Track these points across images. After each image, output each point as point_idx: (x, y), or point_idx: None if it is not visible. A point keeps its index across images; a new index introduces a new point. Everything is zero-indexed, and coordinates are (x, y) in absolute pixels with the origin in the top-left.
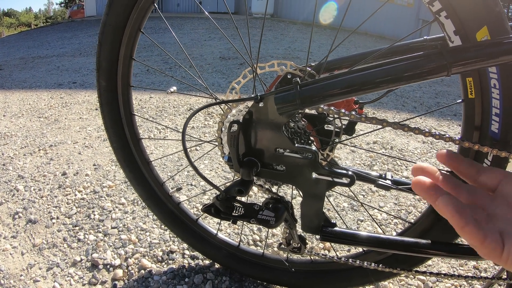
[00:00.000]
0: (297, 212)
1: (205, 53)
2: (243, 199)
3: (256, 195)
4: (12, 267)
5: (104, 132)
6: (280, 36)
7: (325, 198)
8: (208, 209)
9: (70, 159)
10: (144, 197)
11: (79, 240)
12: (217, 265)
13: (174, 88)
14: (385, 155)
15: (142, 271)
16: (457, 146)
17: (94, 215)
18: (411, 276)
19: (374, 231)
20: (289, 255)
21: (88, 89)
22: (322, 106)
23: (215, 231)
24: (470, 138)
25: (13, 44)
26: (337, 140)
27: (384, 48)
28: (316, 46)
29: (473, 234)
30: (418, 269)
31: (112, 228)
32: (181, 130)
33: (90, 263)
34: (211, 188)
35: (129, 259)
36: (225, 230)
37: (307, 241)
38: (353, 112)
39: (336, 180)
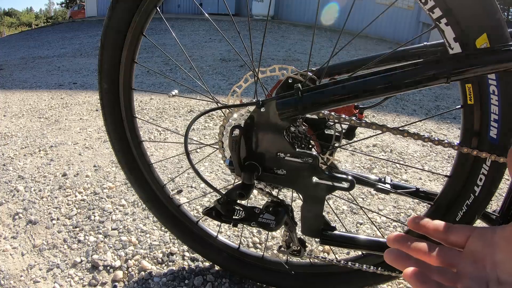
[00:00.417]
0: (297, 215)
1: (205, 55)
2: (244, 202)
3: (256, 198)
4: (12, 267)
5: (105, 133)
6: (280, 38)
7: (325, 201)
8: (209, 212)
9: (70, 160)
10: (144, 199)
11: (79, 241)
12: (217, 267)
13: (175, 91)
14: (384, 159)
15: (142, 273)
16: (456, 151)
17: (95, 216)
18: None
19: (374, 234)
20: (288, 257)
21: (89, 90)
22: (323, 111)
23: (215, 234)
24: (469, 143)
25: (13, 44)
26: (337, 144)
27: (385, 54)
28: (316, 49)
29: None
30: None
31: (113, 229)
32: (181, 133)
33: (90, 264)
34: (212, 190)
35: (129, 260)
36: (225, 232)
37: (306, 244)
38: (353, 117)
39: (336, 184)
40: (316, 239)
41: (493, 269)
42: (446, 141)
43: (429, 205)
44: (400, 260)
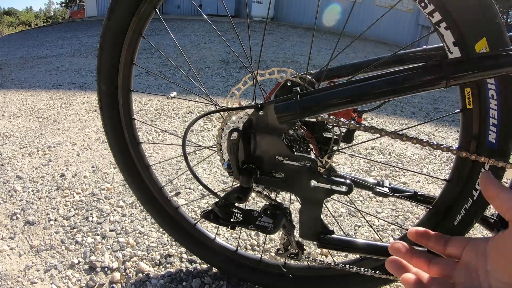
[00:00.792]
0: (295, 218)
1: (204, 56)
2: (242, 205)
3: (254, 200)
4: (9, 268)
5: (103, 134)
6: (280, 40)
7: (323, 205)
8: (207, 215)
9: (68, 161)
10: (143, 201)
11: (77, 242)
12: (214, 270)
13: (174, 93)
14: (383, 163)
15: (140, 275)
16: (454, 155)
17: (92, 217)
18: None
19: (371, 237)
20: (286, 260)
21: (88, 90)
22: (321, 115)
23: (213, 236)
24: (467, 147)
25: (13, 43)
26: (336, 147)
27: (384, 58)
28: (315, 50)
29: None
30: None
31: (110, 230)
32: (180, 135)
33: (88, 265)
34: (210, 193)
35: (127, 262)
36: (223, 235)
37: (304, 247)
38: (352, 121)
39: (334, 188)
40: (314, 243)
41: (486, 279)
42: (444, 145)
43: (428, 209)
44: (401, 270)
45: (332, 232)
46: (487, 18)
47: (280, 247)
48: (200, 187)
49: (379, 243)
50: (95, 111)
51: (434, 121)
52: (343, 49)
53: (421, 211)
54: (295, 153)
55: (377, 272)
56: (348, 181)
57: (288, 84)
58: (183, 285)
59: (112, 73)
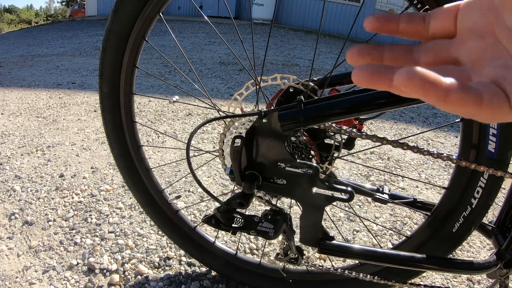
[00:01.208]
0: (295, 223)
1: (204, 58)
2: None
3: (253, 204)
4: (7, 268)
5: (102, 134)
6: (280, 42)
7: (324, 211)
8: (209, 220)
9: (67, 161)
10: (143, 204)
11: (75, 243)
12: (213, 273)
13: (176, 97)
14: (383, 170)
15: (139, 277)
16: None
17: (91, 218)
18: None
19: (370, 242)
20: (285, 265)
21: (87, 90)
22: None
23: (212, 239)
24: (467, 156)
25: (13, 41)
26: (337, 154)
27: None
28: (315, 54)
29: (462, 100)
30: (412, 281)
31: (109, 232)
32: (179, 137)
33: (86, 267)
34: (203, 190)
35: (126, 264)
36: (222, 238)
37: (304, 252)
38: (354, 129)
39: (335, 195)
40: (314, 248)
41: (510, 37)
42: (445, 154)
43: (427, 216)
44: (380, 74)
45: (333, 238)
46: None
47: (279, 251)
48: (200, 190)
49: (378, 249)
50: (95, 111)
51: (433, 126)
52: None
53: (419, 216)
54: (298, 160)
55: (375, 278)
56: (349, 189)
57: (291, 90)
58: None
59: (115, 76)
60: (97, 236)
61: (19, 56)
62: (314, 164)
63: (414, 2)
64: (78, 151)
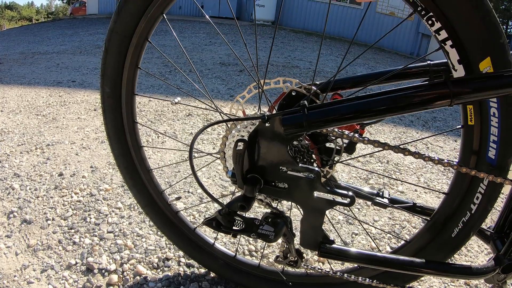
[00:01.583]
0: (295, 225)
1: (205, 58)
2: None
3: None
4: (5, 267)
5: (102, 133)
6: (280, 44)
7: (325, 215)
8: (210, 223)
9: (67, 160)
10: (142, 204)
11: (74, 243)
12: (212, 274)
13: (178, 99)
14: (383, 175)
15: (138, 278)
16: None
17: (90, 218)
18: None
19: (369, 245)
20: (284, 267)
21: (87, 89)
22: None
23: (212, 241)
24: (467, 162)
25: (13, 38)
26: (338, 158)
27: (390, 72)
28: (315, 56)
29: None
30: (411, 285)
31: (108, 232)
32: (179, 138)
33: (85, 267)
34: (204, 193)
35: (124, 264)
36: (221, 239)
37: (304, 255)
38: (356, 134)
39: (336, 200)
40: (314, 251)
41: None
42: (445, 160)
43: (426, 220)
44: None
45: (333, 242)
46: (492, 38)
47: (279, 254)
48: (199, 191)
49: (377, 253)
50: (95, 110)
51: (433, 130)
52: (349, 62)
53: (417, 220)
54: (300, 165)
55: (374, 281)
56: (350, 193)
57: (293, 93)
58: None
59: (117, 76)
60: (96, 236)
61: (19, 53)
62: (316, 169)
63: (418, 9)
64: (78, 150)
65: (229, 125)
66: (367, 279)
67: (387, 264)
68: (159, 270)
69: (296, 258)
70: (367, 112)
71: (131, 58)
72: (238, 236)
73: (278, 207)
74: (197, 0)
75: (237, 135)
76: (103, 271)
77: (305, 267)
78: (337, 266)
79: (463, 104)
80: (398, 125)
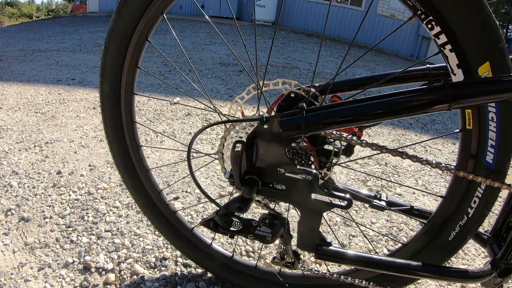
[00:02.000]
0: (292, 226)
1: (205, 58)
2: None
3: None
4: (3, 265)
5: (101, 132)
6: (280, 45)
7: (322, 217)
8: (207, 223)
9: (65, 158)
10: (140, 204)
11: (71, 241)
12: (209, 274)
13: (178, 99)
14: (383, 179)
15: (135, 277)
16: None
17: (88, 217)
18: None
19: (366, 247)
20: (281, 268)
21: (87, 87)
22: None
23: (209, 241)
24: (465, 166)
25: (13, 35)
26: (336, 160)
27: (389, 75)
28: (315, 57)
29: None
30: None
31: (106, 231)
32: (178, 138)
33: (82, 265)
34: (202, 194)
35: (121, 263)
36: (218, 240)
37: (300, 256)
38: (354, 137)
39: (334, 202)
40: (311, 253)
41: None
42: (443, 164)
43: (423, 223)
44: None
45: (330, 244)
46: (491, 43)
47: (276, 255)
48: (197, 191)
49: (374, 256)
50: (94, 108)
51: (431, 133)
52: (349, 64)
53: (414, 223)
54: (298, 167)
55: (371, 284)
56: (347, 196)
57: (292, 95)
58: None
59: (116, 76)
60: (93, 235)
61: (19, 50)
62: (314, 171)
63: (418, 13)
64: (76, 148)
65: (227, 126)
66: (364, 281)
67: (384, 267)
68: (156, 269)
69: (293, 260)
70: (365, 115)
71: (130, 58)
72: (236, 237)
73: (275, 209)
74: (197, 0)
75: (236, 136)
76: (100, 270)
77: (302, 268)
78: (334, 267)
79: (462, 108)
80: (397, 127)
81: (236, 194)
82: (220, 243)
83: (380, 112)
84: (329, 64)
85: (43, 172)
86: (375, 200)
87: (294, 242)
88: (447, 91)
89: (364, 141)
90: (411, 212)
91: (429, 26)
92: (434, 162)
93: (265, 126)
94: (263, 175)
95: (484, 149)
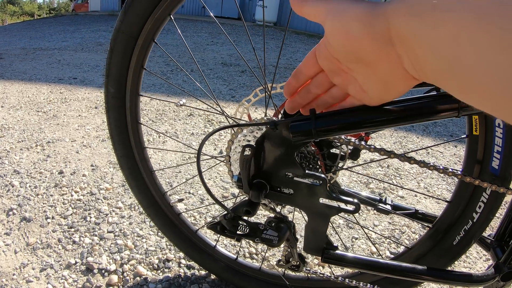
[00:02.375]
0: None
1: (207, 58)
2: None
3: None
4: (4, 265)
5: (103, 132)
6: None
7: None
8: (214, 227)
9: (67, 158)
10: (144, 205)
11: (74, 242)
12: (213, 276)
13: (184, 101)
14: (381, 181)
15: (138, 278)
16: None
17: (90, 217)
18: None
19: (369, 250)
20: (285, 271)
21: (89, 86)
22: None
23: (213, 243)
24: (471, 172)
25: (15, 33)
26: (342, 164)
27: None
28: None
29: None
30: None
31: (108, 232)
32: (180, 138)
33: (84, 266)
34: (209, 197)
35: (124, 265)
36: (221, 241)
37: (306, 259)
38: (362, 142)
39: (342, 207)
40: (317, 257)
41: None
42: (450, 169)
43: (428, 227)
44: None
45: (336, 248)
46: None
47: (281, 258)
48: (200, 192)
49: (380, 260)
50: (96, 108)
51: (433, 136)
52: None
53: (417, 226)
54: (306, 171)
55: (375, 287)
56: (355, 200)
57: None
58: None
59: (121, 77)
60: (96, 236)
61: (21, 49)
62: (323, 175)
63: None
64: (78, 148)
65: (235, 130)
66: (368, 285)
67: (389, 271)
68: (159, 271)
69: (298, 263)
70: (375, 121)
71: (136, 59)
72: (241, 240)
73: (281, 212)
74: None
75: (243, 140)
76: (103, 271)
77: (307, 271)
78: (337, 270)
79: (469, 115)
80: (399, 129)
81: (242, 197)
82: (224, 245)
83: (389, 119)
84: None
85: (44, 172)
86: (380, 204)
87: (299, 245)
88: (455, 98)
89: (372, 146)
90: (415, 216)
91: None
92: (441, 167)
93: (274, 131)
94: (271, 179)
95: (490, 154)
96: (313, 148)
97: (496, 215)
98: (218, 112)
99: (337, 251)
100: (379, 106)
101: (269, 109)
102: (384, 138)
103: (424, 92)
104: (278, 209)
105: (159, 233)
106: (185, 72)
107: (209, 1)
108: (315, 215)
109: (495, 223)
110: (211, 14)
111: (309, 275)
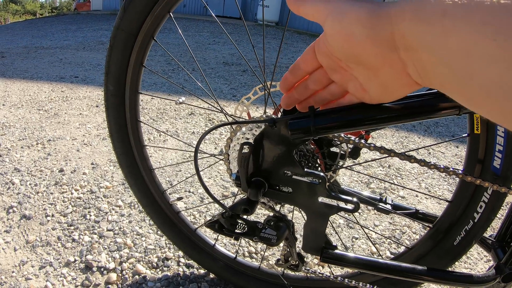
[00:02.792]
0: (297, 228)
1: (208, 57)
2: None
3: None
4: (4, 262)
5: (103, 130)
6: (284, 45)
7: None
8: (212, 225)
9: (68, 156)
10: (144, 204)
11: (73, 240)
12: (212, 275)
13: (183, 99)
14: (382, 180)
15: (137, 277)
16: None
17: (90, 215)
18: None
19: (369, 249)
20: (284, 270)
21: (90, 85)
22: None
23: (212, 242)
24: (472, 171)
25: (17, 32)
26: (342, 163)
27: None
28: None
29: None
30: None
31: (108, 230)
32: (181, 137)
33: (84, 264)
34: (209, 197)
35: (123, 263)
36: (221, 240)
37: (305, 259)
38: (362, 140)
39: (341, 206)
40: (316, 256)
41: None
42: (451, 169)
43: (428, 228)
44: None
45: (335, 247)
46: None
47: (280, 258)
48: (200, 190)
49: (380, 260)
50: (97, 106)
51: (434, 136)
52: None
53: (417, 226)
54: (305, 170)
55: (375, 287)
56: (355, 199)
57: None
58: None
59: (121, 75)
60: (95, 234)
61: (23, 47)
62: (322, 174)
63: None
64: (79, 146)
65: (234, 128)
66: (368, 285)
67: (388, 271)
68: (158, 269)
69: (297, 262)
70: (375, 119)
71: (136, 56)
72: (240, 239)
73: (280, 211)
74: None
75: (242, 138)
76: (102, 269)
77: (306, 271)
78: (337, 270)
79: (471, 113)
80: (400, 129)
81: (241, 196)
82: (223, 244)
83: (389, 116)
84: None
85: (45, 170)
86: (380, 204)
87: (298, 244)
88: None
89: (372, 145)
90: (416, 216)
91: None
92: (441, 166)
93: (273, 128)
94: (269, 177)
95: (491, 154)
96: (312, 146)
97: (498, 215)
98: (217, 110)
99: (336, 251)
100: (379, 103)
101: (270, 107)
102: (385, 138)
103: (425, 90)
104: (277, 208)
105: (159, 232)
106: (186, 71)
107: (211, 1)
108: (314, 214)
109: (496, 223)
110: (212, 14)
111: (308, 274)
